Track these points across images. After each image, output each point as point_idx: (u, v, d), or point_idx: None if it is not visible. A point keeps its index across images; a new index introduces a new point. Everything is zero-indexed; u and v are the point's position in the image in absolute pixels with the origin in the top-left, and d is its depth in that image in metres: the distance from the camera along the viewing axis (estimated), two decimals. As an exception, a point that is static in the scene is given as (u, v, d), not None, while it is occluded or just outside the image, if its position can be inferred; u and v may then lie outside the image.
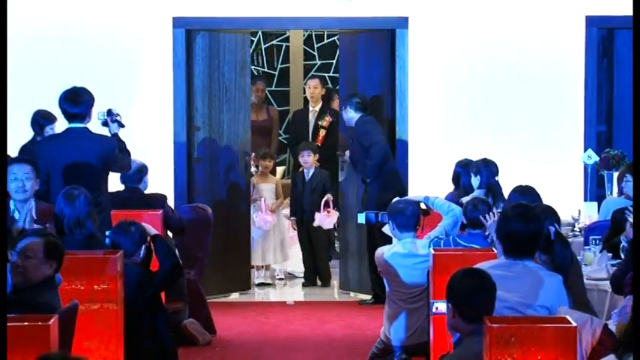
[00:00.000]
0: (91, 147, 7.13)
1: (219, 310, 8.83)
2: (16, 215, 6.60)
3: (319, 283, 10.41)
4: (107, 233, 6.60)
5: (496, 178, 8.13)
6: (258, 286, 10.33)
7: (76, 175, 6.98)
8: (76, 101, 7.19)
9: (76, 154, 7.08)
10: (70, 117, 7.23)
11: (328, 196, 10.06)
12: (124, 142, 7.42)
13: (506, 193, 7.49)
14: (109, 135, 7.43)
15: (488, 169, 8.13)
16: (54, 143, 7.33)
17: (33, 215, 6.68)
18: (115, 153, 7.24)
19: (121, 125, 7.47)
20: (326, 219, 10.04)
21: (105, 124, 7.46)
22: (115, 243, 6.42)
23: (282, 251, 10.48)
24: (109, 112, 7.46)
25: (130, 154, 7.47)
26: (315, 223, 10.07)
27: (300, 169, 10.50)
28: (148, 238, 6.58)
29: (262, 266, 10.39)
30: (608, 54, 9.97)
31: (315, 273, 10.46)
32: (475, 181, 8.14)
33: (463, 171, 8.50)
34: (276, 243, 10.41)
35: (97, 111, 7.38)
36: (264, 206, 10.19)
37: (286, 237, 10.52)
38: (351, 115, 9.49)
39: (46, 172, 7.04)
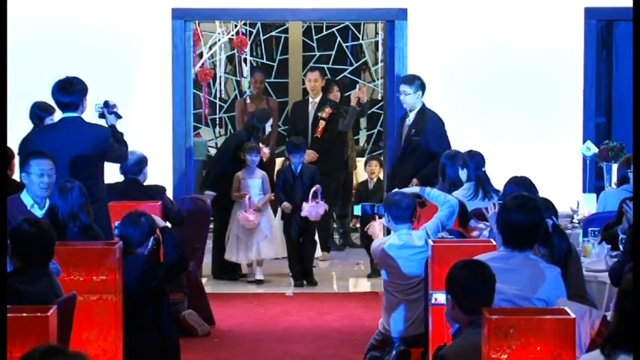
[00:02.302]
0: (84, 136, 7.09)
1: (218, 301, 8.83)
2: (36, 211, 6.50)
3: (305, 283, 9.87)
4: (116, 224, 6.60)
5: (483, 169, 7.93)
6: (256, 283, 10.14)
7: (71, 164, 6.94)
8: (69, 90, 7.14)
9: (70, 143, 7.02)
10: (62, 106, 7.20)
11: (317, 187, 9.71)
12: (121, 134, 7.38)
13: (501, 184, 7.43)
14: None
15: (473, 160, 7.83)
16: (48, 133, 7.30)
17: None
18: (109, 142, 7.19)
19: (118, 116, 7.43)
20: (314, 209, 9.76)
21: (102, 115, 7.42)
22: (123, 234, 6.42)
23: (260, 249, 9.94)
24: (106, 104, 7.42)
25: (127, 145, 7.41)
26: (303, 213, 9.70)
27: (288, 164, 10.22)
28: (157, 230, 6.59)
29: (249, 264, 10.16)
30: (607, 46, 9.96)
31: (303, 273, 9.93)
32: (462, 174, 7.94)
33: (449, 162, 8.13)
34: (259, 239, 9.92)
35: (94, 103, 7.36)
36: (247, 204, 9.83)
37: (269, 234, 9.99)
38: (412, 99, 9.02)
39: None
